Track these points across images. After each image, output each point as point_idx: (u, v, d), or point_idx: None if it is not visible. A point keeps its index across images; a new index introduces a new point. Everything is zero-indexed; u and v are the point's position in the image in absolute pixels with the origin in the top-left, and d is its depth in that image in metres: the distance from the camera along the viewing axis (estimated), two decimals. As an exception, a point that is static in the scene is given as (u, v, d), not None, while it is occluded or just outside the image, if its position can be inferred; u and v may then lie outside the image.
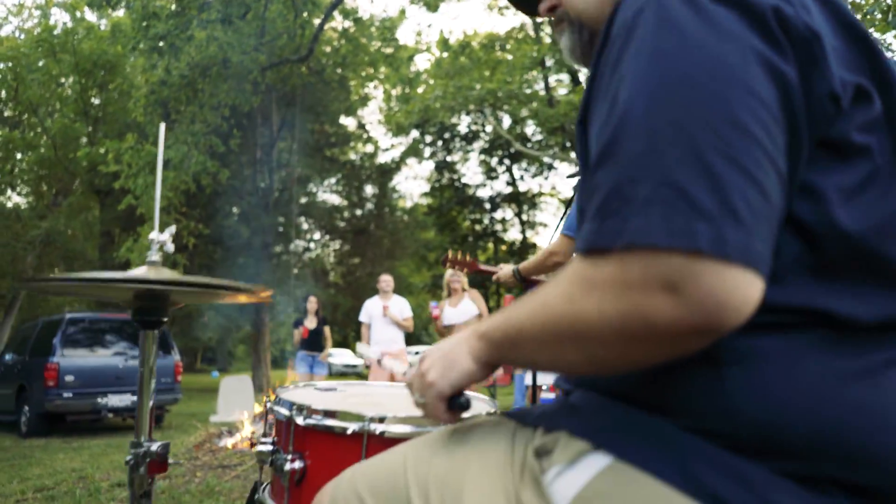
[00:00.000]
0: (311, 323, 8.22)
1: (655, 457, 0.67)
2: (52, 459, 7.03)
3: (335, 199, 23.46)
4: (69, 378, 9.18)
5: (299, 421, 1.15)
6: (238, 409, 9.80)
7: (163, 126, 1.52)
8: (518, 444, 0.83)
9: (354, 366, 29.57)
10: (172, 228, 1.50)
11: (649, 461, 0.67)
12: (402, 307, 7.73)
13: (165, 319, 1.47)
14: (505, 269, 3.10)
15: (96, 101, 24.73)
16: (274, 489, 1.24)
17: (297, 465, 1.13)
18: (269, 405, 1.32)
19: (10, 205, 27.90)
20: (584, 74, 24.06)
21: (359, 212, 24.36)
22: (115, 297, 1.52)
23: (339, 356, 31.24)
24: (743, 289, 0.59)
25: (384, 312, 7.56)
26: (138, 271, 1.34)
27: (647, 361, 0.66)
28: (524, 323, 0.75)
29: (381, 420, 1.11)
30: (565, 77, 25.15)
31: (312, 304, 8.41)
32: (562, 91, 25.02)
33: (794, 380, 0.66)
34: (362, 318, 7.86)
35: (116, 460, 6.60)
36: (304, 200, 21.20)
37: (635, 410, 0.73)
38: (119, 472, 5.11)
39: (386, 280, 7.80)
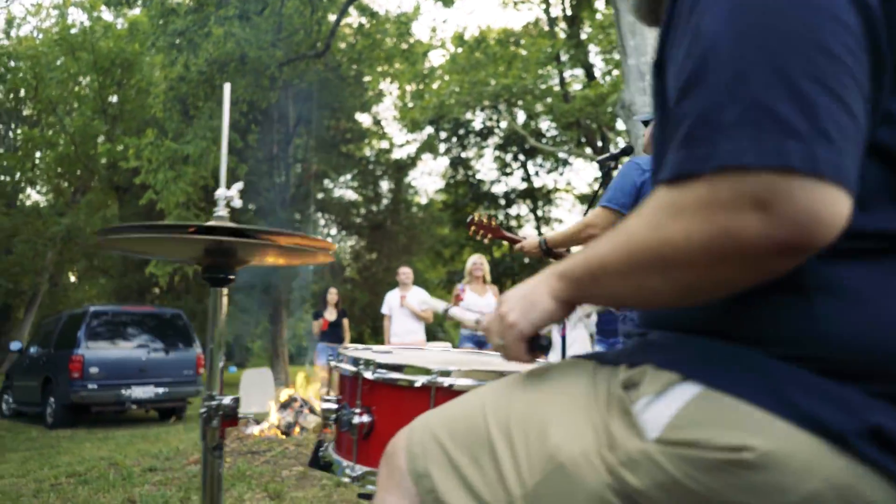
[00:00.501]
0: (330, 315, 8.27)
1: (747, 383, 0.69)
2: (79, 448, 7.14)
3: (351, 195, 23.55)
4: (94, 370, 9.30)
5: (367, 375, 1.17)
6: (259, 402, 9.91)
7: (227, 86, 1.53)
8: (600, 380, 0.84)
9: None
10: (240, 184, 1.51)
11: (741, 388, 0.69)
12: (420, 298, 7.77)
13: (233, 277, 1.49)
14: (530, 239, 3.01)
15: (113, 99, 24.95)
16: (340, 445, 1.27)
17: (366, 418, 1.15)
18: (332, 363, 1.35)
19: (29, 202, 28.25)
20: (599, 69, 23.89)
21: (374, 208, 24.40)
22: (184, 255, 1.53)
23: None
24: (833, 205, 0.60)
25: (401, 303, 7.60)
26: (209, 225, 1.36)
27: (733, 285, 0.68)
28: (607, 256, 0.77)
29: (448, 373, 1.13)
30: (580, 72, 25.08)
31: (332, 295, 8.44)
32: (576, 86, 24.94)
33: (884, 303, 0.68)
34: (384, 310, 7.91)
35: (144, 448, 6.69)
36: (320, 196, 21.30)
37: (720, 342, 0.75)
38: (149, 458, 5.18)
39: (405, 272, 7.84)
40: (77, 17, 43.09)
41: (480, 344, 6.56)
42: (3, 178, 27.25)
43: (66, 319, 10.49)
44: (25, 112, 27.43)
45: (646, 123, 3.18)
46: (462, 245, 32.21)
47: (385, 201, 24.52)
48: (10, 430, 9.25)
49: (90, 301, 28.64)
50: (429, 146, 25.17)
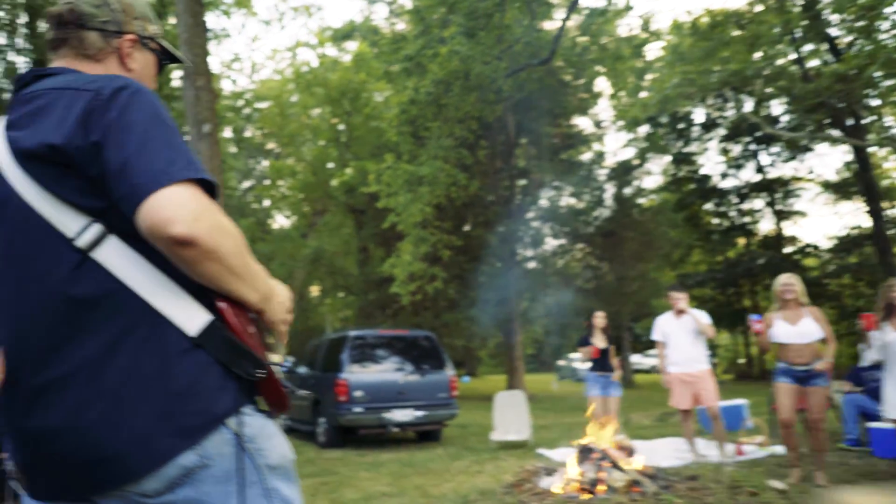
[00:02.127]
0: (599, 341, 7.61)
1: None
2: (357, 478, 7.24)
3: (576, 202, 22.84)
4: (358, 393, 9.58)
5: None
6: (515, 427, 9.60)
7: None
8: None
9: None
10: None
11: None
12: (698, 316, 6.92)
13: None
14: None
15: (341, 127, 26.73)
16: None
17: None
18: None
19: (275, 226, 31.35)
20: (844, 42, 20.97)
21: (601, 213, 23.45)
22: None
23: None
24: None
25: (678, 307, 6.82)
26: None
27: None
28: None
29: None
30: (814, 47, 22.06)
31: (600, 319, 7.79)
32: (812, 63, 21.98)
33: None
34: (656, 336, 7.16)
35: (420, 484, 6.59)
36: (546, 205, 20.88)
37: None
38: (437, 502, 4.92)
39: (678, 296, 7.03)
40: (306, 56, 47.34)
41: (801, 380, 5.53)
42: (255, 206, 30.50)
43: (329, 343, 10.99)
44: (268, 146, 30.49)
45: None
46: (691, 246, 29.98)
47: (612, 206, 23.44)
48: (288, 449, 9.82)
49: (332, 314, 30.99)
50: (654, 145, 23.67)
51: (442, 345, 11.22)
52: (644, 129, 25.46)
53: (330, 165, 27.24)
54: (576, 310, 20.33)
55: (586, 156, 24.10)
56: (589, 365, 7.75)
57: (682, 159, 29.02)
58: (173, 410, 1.13)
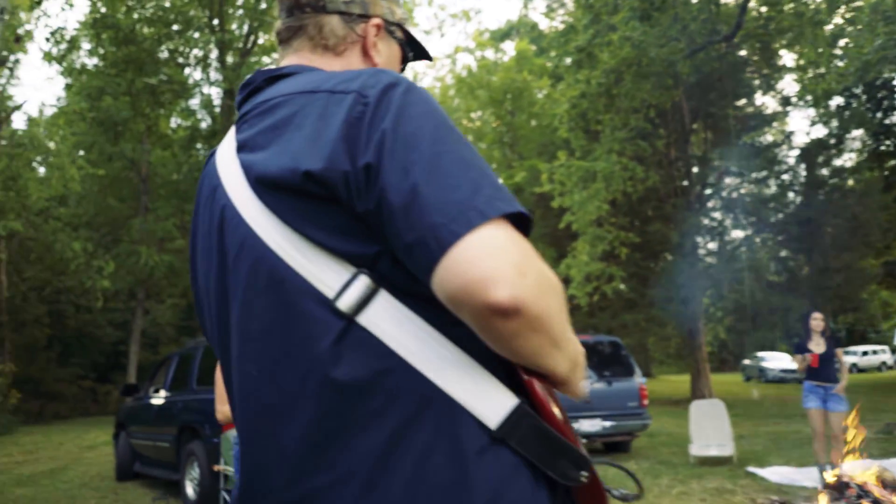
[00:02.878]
0: (817, 346, 6.67)
1: None
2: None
3: (763, 189, 20.93)
4: (543, 402, 9.26)
5: None
6: (717, 441, 8.80)
7: None
8: None
9: (792, 371, 26.27)
10: None
11: None
12: None
13: None
14: None
15: (503, 129, 26.65)
16: None
17: None
18: None
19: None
20: None
21: (793, 199, 21.32)
22: None
23: (774, 360, 28.14)
24: None
25: None
26: None
27: None
28: None
29: None
30: None
31: (817, 322, 6.84)
32: None
33: None
34: (900, 341, 6.14)
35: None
36: (727, 194, 19.33)
37: None
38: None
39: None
40: (465, 60, 48.09)
41: None
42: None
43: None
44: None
45: None
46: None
47: (802, 190, 21.25)
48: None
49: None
50: (857, 118, 21.15)
51: (629, 350, 10.62)
52: (836, 102, 22.91)
53: (493, 167, 27.24)
54: (765, 306, 18.58)
55: (768, 137, 22.06)
56: (805, 373, 6.83)
57: (884, 132, 25.83)
58: None
